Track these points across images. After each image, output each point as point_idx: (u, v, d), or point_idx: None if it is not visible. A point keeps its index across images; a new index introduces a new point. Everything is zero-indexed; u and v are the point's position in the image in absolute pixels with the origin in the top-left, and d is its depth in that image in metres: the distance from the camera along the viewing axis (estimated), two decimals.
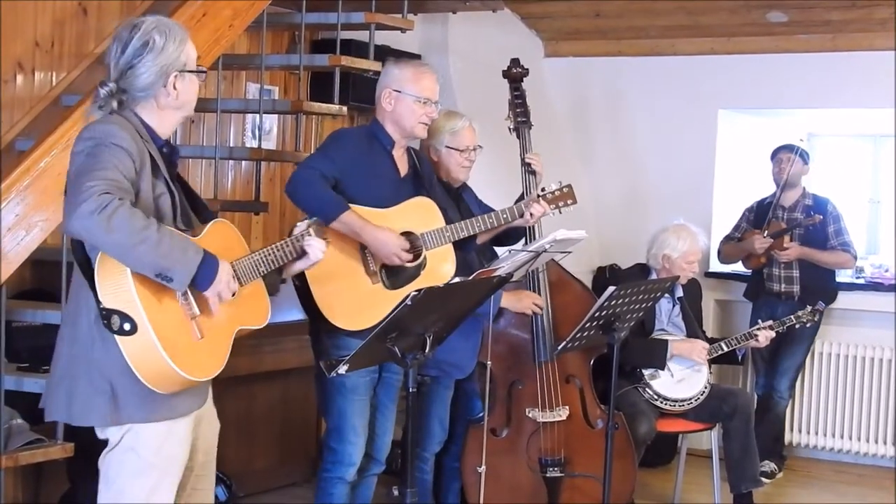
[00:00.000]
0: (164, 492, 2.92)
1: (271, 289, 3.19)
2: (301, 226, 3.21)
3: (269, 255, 3.06)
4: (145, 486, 2.90)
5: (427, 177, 4.09)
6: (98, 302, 2.72)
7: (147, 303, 2.71)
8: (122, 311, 2.70)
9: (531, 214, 4.16)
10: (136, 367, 2.73)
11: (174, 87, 2.91)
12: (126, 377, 2.76)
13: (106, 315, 2.71)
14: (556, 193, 4.23)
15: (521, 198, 4.51)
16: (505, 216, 4.12)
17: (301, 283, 3.74)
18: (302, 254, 3.17)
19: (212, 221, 2.99)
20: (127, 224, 2.63)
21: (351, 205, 3.75)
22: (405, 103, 3.91)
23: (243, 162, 5.78)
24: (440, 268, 3.90)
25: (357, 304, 3.74)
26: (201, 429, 3.06)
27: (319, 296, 3.72)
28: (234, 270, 2.92)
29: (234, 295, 2.90)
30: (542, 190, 4.26)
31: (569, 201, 4.25)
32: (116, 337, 2.71)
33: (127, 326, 2.69)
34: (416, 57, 6.24)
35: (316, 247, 3.17)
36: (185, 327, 2.79)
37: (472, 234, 4.01)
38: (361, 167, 3.86)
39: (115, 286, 2.71)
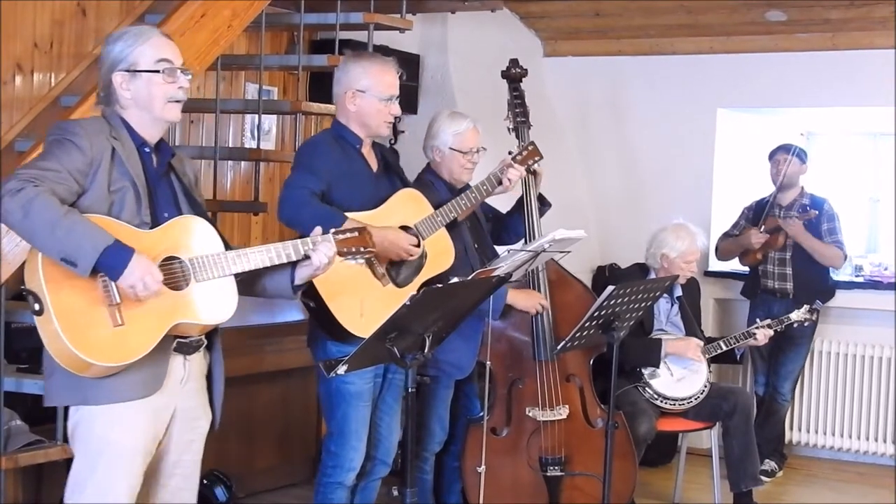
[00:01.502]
0: (111, 475, 2.93)
1: (283, 292, 3.16)
2: (317, 230, 3.15)
3: (250, 255, 3.01)
4: (92, 468, 2.94)
5: (395, 166, 4.06)
6: (23, 283, 2.84)
7: (53, 286, 2.78)
8: (34, 293, 2.80)
9: (509, 180, 4.24)
10: (48, 347, 2.83)
11: (122, 88, 2.99)
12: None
13: (25, 295, 2.83)
14: (524, 154, 4.36)
15: (521, 200, 4.53)
16: (485, 187, 4.19)
17: (316, 303, 3.68)
18: (305, 258, 3.10)
19: (175, 217, 3.00)
20: (35, 209, 2.73)
21: (346, 213, 3.70)
22: (370, 103, 3.84)
23: (242, 162, 5.78)
24: (440, 254, 3.90)
25: (375, 309, 3.62)
26: (174, 427, 3.05)
27: (338, 311, 3.66)
28: (192, 266, 2.93)
29: (185, 286, 2.91)
30: (510, 153, 4.36)
31: (536, 158, 4.39)
32: (34, 318, 2.82)
33: (37, 307, 2.79)
34: (415, 58, 6.25)
35: (322, 252, 3.09)
36: (97, 313, 2.82)
37: (459, 213, 4.04)
38: (341, 173, 3.81)
39: (32, 268, 2.81)
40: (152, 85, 2.98)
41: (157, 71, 2.98)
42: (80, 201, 2.86)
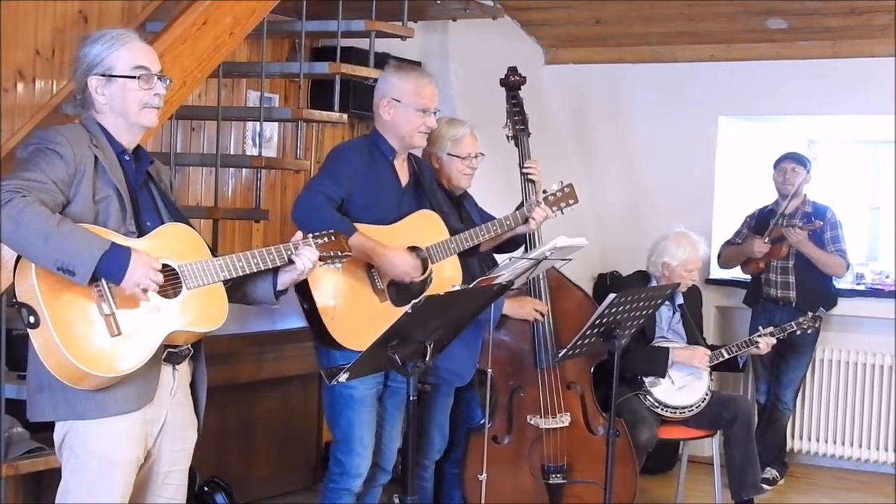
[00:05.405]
0: (104, 490, 2.89)
1: (265, 298, 3.15)
2: (298, 235, 3.15)
3: (237, 261, 2.98)
4: (83, 483, 2.90)
5: (428, 184, 4.07)
6: (14, 296, 2.78)
7: (48, 296, 2.72)
8: (29, 305, 2.74)
9: (534, 219, 4.17)
10: (44, 360, 2.77)
11: (97, 92, 2.93)
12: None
13: (18, 308, 2.77)
14: (558, 195, 4.26)
15: (521, 206, 4.52)
16: (508, 223, 4.14)
17: (310, 306, 3.71)
18: (289, 263, 3.09)
19: (163, 225, 2.97)
20: (27, 219, 2.68)
21: (357, 224, 3.72)
22: (404, 113, 3.88)
23: (244, 170, 5.78)
24: (446, 280, 3.88)
25: (366, 324, 3.63)
26: (163, 438, 3.02)
27: (326, 316, 3.68)
28: (183, 272, 2.89)
29: (176, 294, 2.88)
30: (544, 192, 4.27)
31: (570, 201, 4.27)
32: (28, 330, 2.76)
33: (32, 319, 2.74)
34: (417, 64, 6.25)
35: (305, 256, 3.08)
36: (93, 323, 2.78)
37: (476, 243, 4.02)
38: (365, 182, 3.84)
39: (24, 280, 2.75)
40: (127, 91, 2.93)
41: (133, 77, 2.93)
42: (65, 212, 2.81)
